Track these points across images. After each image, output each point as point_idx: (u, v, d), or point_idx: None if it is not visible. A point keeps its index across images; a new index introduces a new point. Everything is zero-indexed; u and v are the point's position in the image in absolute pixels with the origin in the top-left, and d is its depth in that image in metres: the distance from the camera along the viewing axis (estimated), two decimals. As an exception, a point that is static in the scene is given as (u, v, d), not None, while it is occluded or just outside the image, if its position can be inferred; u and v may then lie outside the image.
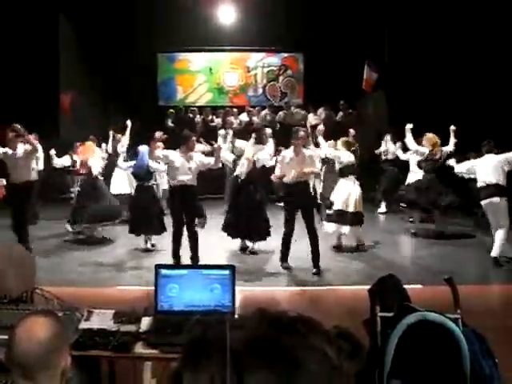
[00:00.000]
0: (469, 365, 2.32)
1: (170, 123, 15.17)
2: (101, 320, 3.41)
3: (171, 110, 15.69)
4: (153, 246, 9.25)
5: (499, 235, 8.02)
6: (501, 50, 11.98)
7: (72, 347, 3.07)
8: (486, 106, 11.47)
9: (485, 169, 8.27)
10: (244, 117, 15.77)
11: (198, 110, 16.20)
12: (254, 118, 15.66)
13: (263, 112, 16.08)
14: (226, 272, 3.40)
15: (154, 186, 9.64)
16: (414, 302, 2.92)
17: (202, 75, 17.67)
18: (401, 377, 2.33)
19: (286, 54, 17.71)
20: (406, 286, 3.30)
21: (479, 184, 8.31)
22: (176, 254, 8.02)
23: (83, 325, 3.34)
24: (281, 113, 16.04)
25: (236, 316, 0.91)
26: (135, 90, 15.08)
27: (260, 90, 17.83)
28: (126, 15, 14.43)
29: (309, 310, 6.45)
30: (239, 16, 15.34)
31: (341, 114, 15.52)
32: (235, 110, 16.12)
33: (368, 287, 3.23)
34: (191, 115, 15.82)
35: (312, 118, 15.91)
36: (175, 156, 7.98)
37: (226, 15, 15.50)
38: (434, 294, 5.36)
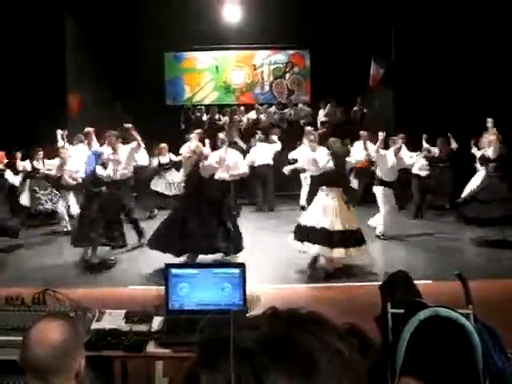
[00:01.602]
0: (481, 360, 2.32)
1: (183, 126, 15.23)
2: (112, 320, 3.43)
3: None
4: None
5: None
6: (507, 48, 11.92)
7: (84, 347, 3.09)
8: (492, 102, 11.40)
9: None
10: (252, 115, 15.78)
11: (205, 108, 16.22)
12: (262, 116, 15.67)
13: (271, 109, 16.07)
14: (237, 271, 3.41)
15: None
16: (425, 297, 2.92)
17: (209, 74, 17.68)
18: (413, 373, 2.33)
19: (292, 51, 17.68)
20: (416, 282, 3.30)
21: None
22: None
23: (95, 325, 3.36)
24: (287, 110, 16.04)
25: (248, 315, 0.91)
26: (142, 89, 15.11)
27: (267, 88, 17.81)
28: (132, 14, 14.43)
29: (320, 307, 6.44)
30: (245, 14, 15.30)
31: (354, 109, 15.46)
32: (242, 108, 16.14)
33: (379, 283, 3.23)
34: (198, 114, 15.83)
35: (321, 115, 15.89)
36: None
37: (232, 13, 15.47)
38: (444, 289, 5.34)
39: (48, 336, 2.00)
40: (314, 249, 7.63)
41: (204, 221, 7.78)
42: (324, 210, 7.65)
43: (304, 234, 7.70)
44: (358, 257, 7.89)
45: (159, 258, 7.36)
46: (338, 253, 7.53)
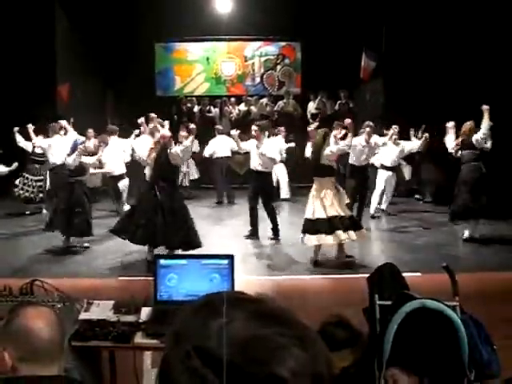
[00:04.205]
0: (467, 352, 2.34)
1: (175, 117, 15.15)
2: (101, 311, 3.42)
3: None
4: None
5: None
6: (499, 40, 11.95)
7: (72, 338, 3.09)
8: (482, 94, 11.43)
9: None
10: (242, 106, 15.75)
11: (196, 99, 16.18)
12: (252, 108, 15.64)
13: (261, 101, 16.04)
14: (225, 262, 3.41)
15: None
16: (413, 289, 2.93)
17: (200, 65, 17.61)
18: (400, 364, 2.34)
19: (283, 43, 17.64)
20: (404, 274, 3.31)
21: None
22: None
23: (83, 316, 3.35)
24: (280, 102, 16.00)
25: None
26: (133, 80, 15.02)
27: (257, 80, 17.77)
28: (123, 5, 14.35)
29: (310, 299, 6.49)
30: (236, 5, 15.25)
31: (339, 102, 15.48)
32: (233, 99, 16.11)
33: (367, 275, 3.25)
34: (189, 105, 15.79)
35: (311, 107, 15.88)
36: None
37: (223, 4, 15.42)
38: (432, 281, 5.38)
39: (50, 320, 1.99)
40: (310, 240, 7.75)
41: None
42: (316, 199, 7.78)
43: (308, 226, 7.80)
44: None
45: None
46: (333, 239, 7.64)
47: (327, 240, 7.64)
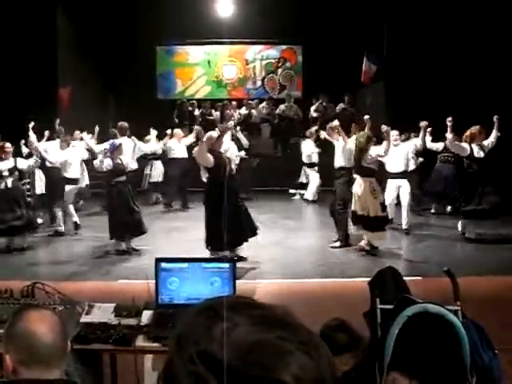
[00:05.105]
0: (469, 356, 2.33)
1: (176, 120, 15.13)
2: (102, 314, 3.42)
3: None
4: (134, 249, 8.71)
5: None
6: (499, 42, 11.96)
7: (73, 341, 3.08)
8: (484, 98, 11.44)
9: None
10: (243, 110, 15.76)
11: (197, 103, 16.19)
12: (253, 111, 15.65)
13: (261, 105, 16.05)
14: (226, 265, 3.41)
15: None
16: (414, 293, 2.93)
17: (201, 68, 17.64)
18: (401, 368, 2.34)
19: (284, 47, 17.67)
20: (405, 278, 3.31)
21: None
22: None
23: (84, 319, 3.35)
24: (282, 105, 16.00)
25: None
26: (134, 83, 15.05)
27: (259, 83, 17.79)
28: (124, 8, 14.38)
29: (311, 303, 6.47)
30: (238, 8, 15.26)
31: (341, 106, 15.44)
32: (234, 102, 16.11)
33: (368, 279, 3.24)
34: (190, 108, 15.80)
35: (313, 111, 15.88)
36: None
37: (225, 8, 15.43)
38: (434, 285, 5.38)
39: (52, 323, 1.99)
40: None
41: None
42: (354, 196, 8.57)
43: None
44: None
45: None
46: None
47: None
